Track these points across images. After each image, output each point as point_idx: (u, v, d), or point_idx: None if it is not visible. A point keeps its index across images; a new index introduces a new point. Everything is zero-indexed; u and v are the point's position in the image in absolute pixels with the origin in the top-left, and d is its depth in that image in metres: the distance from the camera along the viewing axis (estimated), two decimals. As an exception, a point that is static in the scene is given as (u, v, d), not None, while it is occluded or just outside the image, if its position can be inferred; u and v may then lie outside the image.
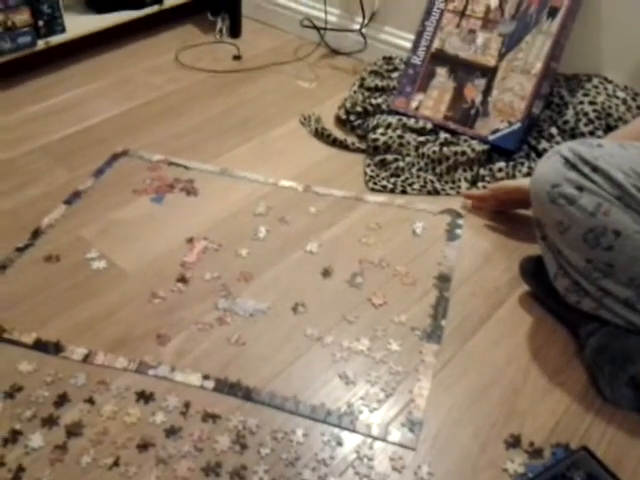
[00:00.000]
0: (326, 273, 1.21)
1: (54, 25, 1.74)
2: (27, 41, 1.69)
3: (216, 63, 1.92)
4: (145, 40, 2.01)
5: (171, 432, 0.93)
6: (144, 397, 0.98)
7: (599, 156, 0.93)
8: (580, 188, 0.93)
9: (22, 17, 1.65)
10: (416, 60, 1.57)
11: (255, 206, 1.36)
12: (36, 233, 1.28)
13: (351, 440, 0.93)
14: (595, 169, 0.92)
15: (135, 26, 1.95)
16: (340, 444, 0.92)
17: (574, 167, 0.94)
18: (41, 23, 1.71)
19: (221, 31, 2.04)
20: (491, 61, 1.49)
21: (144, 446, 0.91)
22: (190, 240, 1.27)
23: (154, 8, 1.96)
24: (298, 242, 1.28)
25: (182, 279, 1.18)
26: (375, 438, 0.93)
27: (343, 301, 1.15)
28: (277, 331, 1.09)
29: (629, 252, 0.91)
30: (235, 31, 2.05)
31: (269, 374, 1.02)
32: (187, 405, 0.96)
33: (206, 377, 1.01)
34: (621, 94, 1.44)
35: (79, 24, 1.82)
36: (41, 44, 1.73)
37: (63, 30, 1.77)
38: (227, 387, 1.00)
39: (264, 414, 0.96)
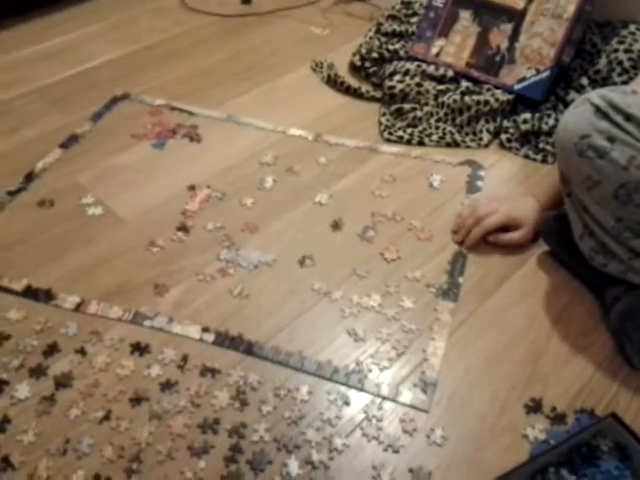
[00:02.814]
0: (336, 226, 1.13)
1: (52, -39, 1.65)
2: (23, -23, 1.60)
3: (224, 6, 1.82)
4: (150, -19, 1.91)
5: (167, 386, 0.87)
6: (139, 349, 0.92)
7: (633, 103, 0.83)
8: (612, 139, 0.84)
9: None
10: (437, 2, 1.46)
11: (262, 155, 1.28)
12: (29, 177, 1.22)
13: (359, 400, 0.87)
14: (629, 117, 0.83)
15: (139, -34, 1.85)
16: (347, 403, 0.86)
17: (605, 116, 0.84)
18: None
19: (230, -26, 1.93)
20: (519, 4, 1.37)
21: (137, 400, 0.86)
22: (192, 188, 1.20)
23: (159, -53, 1.86)
24: (307, 193, 1.20)
25: (183, 228, 1.12)
26: (385, 398, 0.87)
27: (353, 255, 1.08)
28: (282, 284, 1.03)
29: (665, 209, 0.83)
30: (245, -26, 1.93)
31: (273, 328, 0.95)
32: (185, 358, 0.91)
33: (206, 330, 0.95)
34: (659, 42, 1.32)
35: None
36: (38, -19, 1.64)
37: (62, -33, 1.68)
38: (228, 341, 0.93)
39: (266, 370, 0.90)
